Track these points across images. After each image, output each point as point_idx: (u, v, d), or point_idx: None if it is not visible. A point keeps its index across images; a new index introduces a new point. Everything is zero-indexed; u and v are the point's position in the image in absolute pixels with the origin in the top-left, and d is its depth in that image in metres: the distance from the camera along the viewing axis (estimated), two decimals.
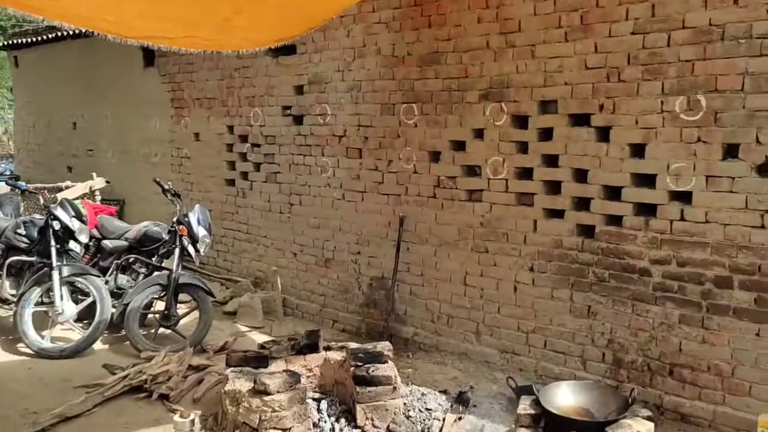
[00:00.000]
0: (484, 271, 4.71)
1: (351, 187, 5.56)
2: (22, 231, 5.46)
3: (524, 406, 3.62)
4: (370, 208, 5.43)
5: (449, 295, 4.94)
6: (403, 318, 5.27)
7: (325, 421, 3.79)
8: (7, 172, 8.64)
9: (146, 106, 7.92)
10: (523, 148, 4.42)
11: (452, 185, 4.83)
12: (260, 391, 3.51)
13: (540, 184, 4.35)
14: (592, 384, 3.87)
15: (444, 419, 3.83)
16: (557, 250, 4.29)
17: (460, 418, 3.85)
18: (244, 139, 6.61)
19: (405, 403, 3.92)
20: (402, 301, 5.27)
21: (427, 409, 3.92)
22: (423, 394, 4.09)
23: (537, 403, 3.61)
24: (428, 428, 3.74)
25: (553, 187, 4.31)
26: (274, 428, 3.48)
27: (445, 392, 4.21)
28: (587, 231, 4.17)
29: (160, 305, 5.47)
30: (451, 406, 4.03)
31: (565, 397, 3.72)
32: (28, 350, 5.03)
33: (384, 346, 4.10)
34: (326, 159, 5.75)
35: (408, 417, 3.84)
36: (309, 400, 3.85)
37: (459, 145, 4.79)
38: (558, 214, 4.30)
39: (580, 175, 4.16)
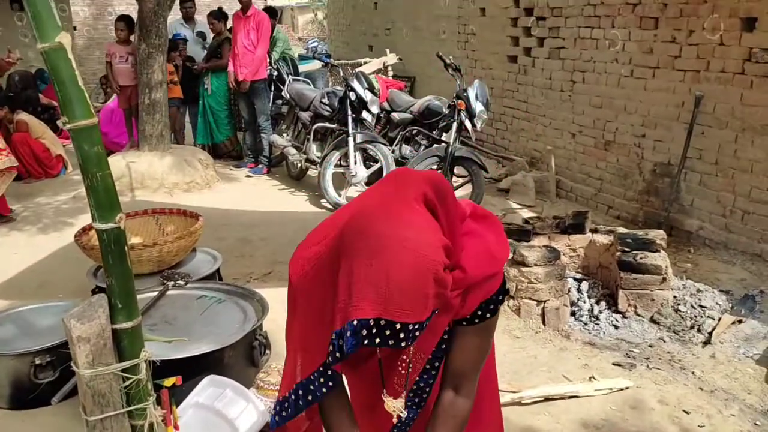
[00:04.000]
0: None
1: (641, 62, 5.02)
2: (325, 101, 6.16)
3: None
4: (661, 86, 4.87)
5: (748, 187, 4.29)
6: (687, 209, 4.77)
7: (584, 302, 3.74)
8: (323, 52, 9.70)
9: None
10: None
11: None
12: (518, 262, 3.59)
13: None
14: None
15: (719, 319, 3.48)
16: None
17: (740, 321, 3.45)
18: (529, 12, 6.34)
19: (675, 297, 3.65)
20: (689, 191, 4.75)
21: (700, 306, 3.60)
22: (698, 290, 3.74)
23: None
24: (699, 325, 3.45)
25: None
26: (530, 298, 3.56)
27: (726, 293, 3.79)
28: None
29: None
30: (732, 307, 3.63)
31: None
32: (328, 205, 5.83)
33: (657, 235, 3.80)
34: (615, 31, 5.24)
35: (677, 311, 3.58)
36: (569, 279, 3.81)
37: None
38: None
39: None
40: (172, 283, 3.15)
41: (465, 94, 5.46)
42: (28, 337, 2.85)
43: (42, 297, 3.71)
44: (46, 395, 2.61)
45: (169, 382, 2.06)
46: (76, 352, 1.80)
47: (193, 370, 2.39)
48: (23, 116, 6.65)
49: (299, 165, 6.49)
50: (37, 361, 2.67)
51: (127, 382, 1.86)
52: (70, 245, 4.63)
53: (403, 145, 6.04)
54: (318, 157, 6.16)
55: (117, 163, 6.12)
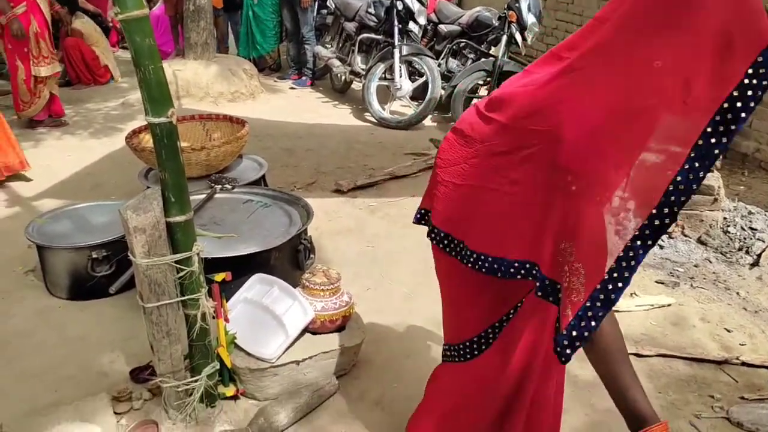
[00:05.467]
0: None
1: None
2: (371, 10, 5.99)
3: None
4: None
5: None
6: (745, 131, 4.58)
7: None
8: None
9: None
10: None
11: None
12: None
13: None
14: None
15: None
16: None
17: None
18: None
19: (725, 218, 3.56)
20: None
21: (751, 228, 3.51)
22: (750, 213, 3.64)
23: None
24: (747, 247, 3.38)
25: None
26: None
27: None
28: None
29: (483, 91, 5.67)
30: None
31: None
32: (371, 118, 5.78)
33: None
34: None
35: (726, 232, 3.50)
36: None
37: None
38: None
39: None
40: (220, 186, 3.21)
41: (517, 5, 5.24)
42: (85, 232, 2.97)
43: (95, 198, 3.83)
44: (102, 287, 2.75)
45: (219, 277, 2.14)
46: (132, 242, 1.87)
47: (241, 269, 2.46)
48: (78, 23, 6.67)
49: (343, 77, 6.41)
50: (94, 255, 2.80)
51: (181, 273, 1.94)
52: (121, 149, 4.75)
53: (450, 58, 5.88)
54: (363, 69, 6.06)
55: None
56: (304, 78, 7.04)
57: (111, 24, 8.20)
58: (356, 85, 6.53)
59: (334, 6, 6.59)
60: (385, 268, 3.21)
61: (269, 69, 7.56)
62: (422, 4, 5.72)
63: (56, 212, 3.17)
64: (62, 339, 2.61)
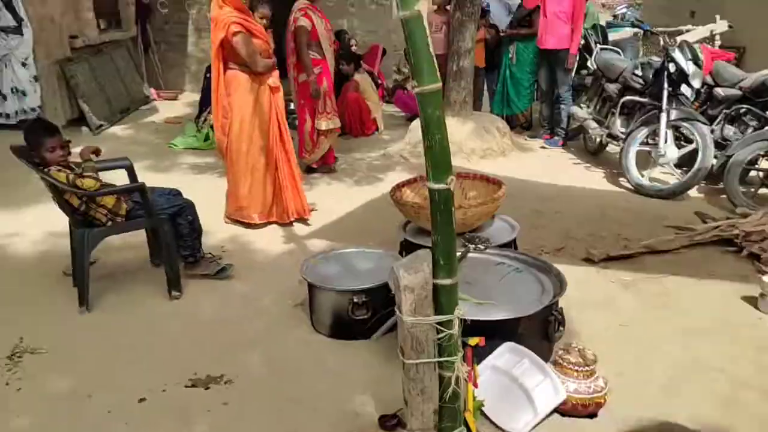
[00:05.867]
0: None
1: None
2: (638, 72, 5.72)
3: None
4: None
5: None
6: None
7: None
8: (632, 19, 9.02)
9: None
10: None
11: None
12: None
13: None
14: None
15: None
16: None
17: None
18: None
19: None
20: None
21: None
22: None
23: None
24: None
25: None
26: None
27: None
28: None
29: (765, 164, 5.04)
30: None
31: None
32: (627, 185, 5.46)
33: None
34: None
35: None
36: None
37: None
38: None
39: None
40: (473, 246, 3.27)
41: None
42: (348, 276, 3.23)
43: (357, 241, 4.16)
44: (359, 330, 2.97)
45: (473, 341, 2.15)
46: (401, 299, 1.97)
47: (491, 334, 2.46)
48: (358, 77, 7.48)
49: (599, 139, 6.19)
50: (355, 299, 3.01)
51: (441, 335, 1.99)
52: (380, 198, 5.12)
53: (726, 125, 5.34)
54: (622, 132, 5.79)
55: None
56: (556, 138, 6.95)
57: (380, 81, 9.00)
58: (611, 148, 6.26)
59: (595, 66, 6.44)
60: (641, 353, 2.95)
61: (521, 127, 7.61)
62: (698, 66, 5.31)
63: (326, 255, 3.51)
64: (321, 372, 2.83)
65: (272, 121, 4.45)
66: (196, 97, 8.54)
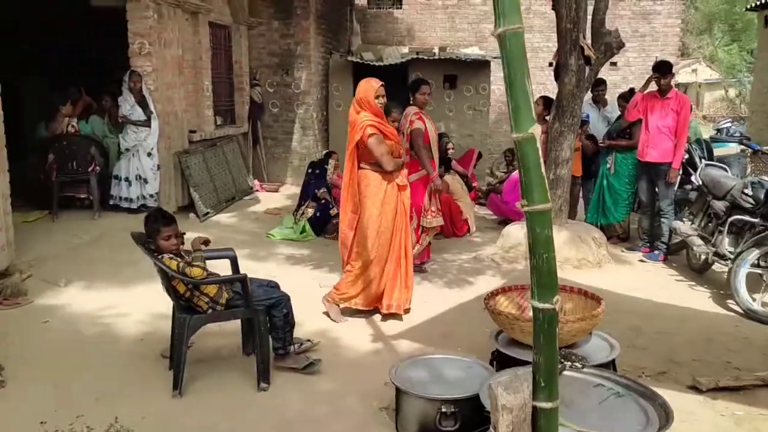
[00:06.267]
0: None
1: None
2: (749, 191, 5.49)
3: None
4: None
5: None
6: None
7: None
8: (737, 134, 8.77)
9: None
10: None
11: None
12: None
13: None
14: None
15: None
16: None
17: None
18: None
19: None
20: None
21: None
22: None
23: None
24: None
25: None
26: None
27: None
28: None
29: None
30: None
31: None
32: (737, 308, 5.12)
33: None
34: None
35: None
36: None
37: None
38: None
39: None
40: (569, 363, 3.13)
41: None
42: (436, 383, 3.16)
43: (444, 346, 4.10)
44: None
45: None
46: (498, 419, 1.90)
47: None
48: (448, 178, 7.64)
49: (704, 257, 5.90)
50: (443, 409, 2.93)
51: None
52: (469, 302, 5.06)
53: None
54: (730, 252, 5.50)
55: (515, 231, 6.50)
56: (656, 252, 6.69)
57: (473, 183, 9.11)
58: (717, 267, 5.94)
59: (700, 182, 6.25)
60: None
61: (617, 238, 7.40)
62: None
63: (415, 359, 3.46)
64: None
65: (398, 217, 4.70)
66: (296, 190, 8.97)
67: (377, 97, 4.58)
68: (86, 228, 6.72)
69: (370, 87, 4.59)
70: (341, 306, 4.75)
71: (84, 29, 9.26)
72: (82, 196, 7.27)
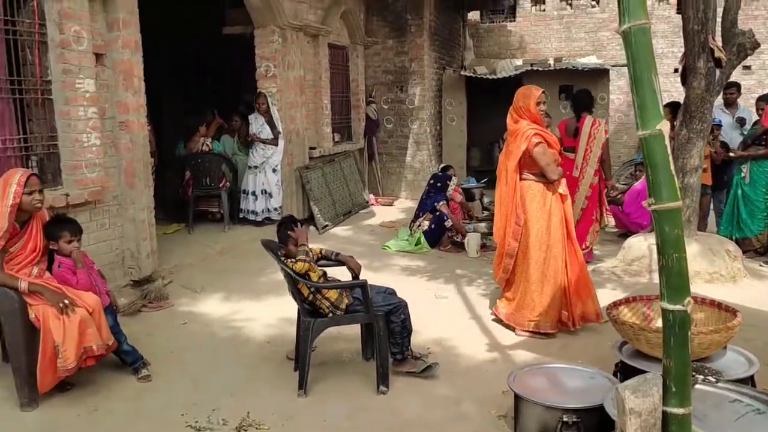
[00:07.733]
0: None
1: None
2: None
3: None
4: None
5: None
6: None
7: None
8: None
9: None
10: None
11: None
12: None
13: None
14: None
15: None
16: None
17: None
18: None
19: None
20: None
21: None
22: None
23: None
24: None
25: None
26: None
27: None
28: None
29: None
30: None
31: None
32: None
33: None
34: None
35: None
36: None
37: None
38: None
39: None
40: (702, 377, 2.97)
41: None
42: (556, 393, 3.10)
43: (563, 357, 4.01)
44: None
45: None
46: (625, 423, 1.86)
47: None
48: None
49: None
50: (564, 418, 2.87)
51: None
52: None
53: None
54: None
55: (638, 243, 6.23)
56: None
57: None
58: None
59: None
60: None
61: (754, 252, 6.88)
62: None
63: (534, 367, 3.42)
64: None
65: (563, 228, 4.48)
66: (410, 203, 9.10)
67: (538, 104, 4.42)
68: (217, 239, 7.21)
69: (531, 94, 4.43)
70: (530, 331, 4.50)
71: (218, 55, 9.97)
72: (214, 210, 7.79)
